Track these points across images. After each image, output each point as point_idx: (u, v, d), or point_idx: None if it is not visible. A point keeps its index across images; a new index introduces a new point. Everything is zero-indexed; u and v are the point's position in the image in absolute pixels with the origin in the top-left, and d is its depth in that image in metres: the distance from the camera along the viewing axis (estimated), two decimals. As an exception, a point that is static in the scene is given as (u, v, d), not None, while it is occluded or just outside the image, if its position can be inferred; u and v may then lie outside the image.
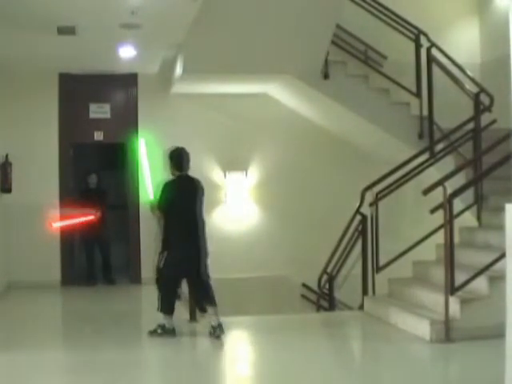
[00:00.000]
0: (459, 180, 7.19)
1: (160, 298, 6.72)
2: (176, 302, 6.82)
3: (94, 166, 11.40)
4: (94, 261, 10.58)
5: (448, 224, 6.37)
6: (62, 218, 10.04)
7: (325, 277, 8.61)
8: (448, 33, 10.64)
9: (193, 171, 10.42)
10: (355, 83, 9.20)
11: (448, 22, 10.81)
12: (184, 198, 6.80)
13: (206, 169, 10.70)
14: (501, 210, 3.88)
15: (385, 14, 9.16)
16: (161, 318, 6.74)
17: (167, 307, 6.69)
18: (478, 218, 7.73)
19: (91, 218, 10.19)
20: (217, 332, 6.60)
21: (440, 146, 8.48)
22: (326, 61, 9.03)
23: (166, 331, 6.70)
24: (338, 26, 9.25)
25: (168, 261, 6.67)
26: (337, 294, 8.68)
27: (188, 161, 7.00)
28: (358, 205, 8.02)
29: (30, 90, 10.22)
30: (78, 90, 10.45)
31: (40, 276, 9.98)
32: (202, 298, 6.81)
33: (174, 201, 6.75)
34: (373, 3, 9.16)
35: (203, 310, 6.83)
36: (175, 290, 6.83)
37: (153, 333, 6.74)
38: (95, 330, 7.35)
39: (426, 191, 6.62)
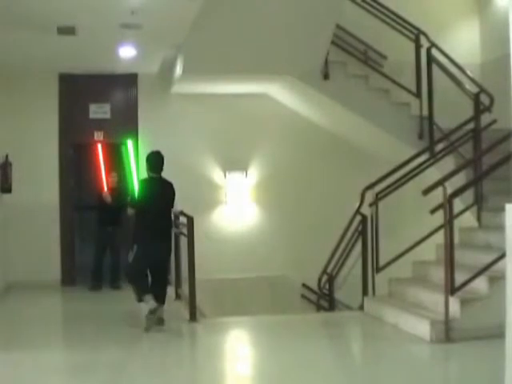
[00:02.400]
0: (459, 180, 7.19)
1: (135, 289, 7.16)
2: (148, 285, 7.21)
3: (115, 164, 10.87)
4: (102, 264, 10.21)
5: (448, 224, 6.37)
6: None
7: (325, 277, 8.62)
8: (448, 33, 10.64)
9: (193, 171, 10.55)
10: (355, 83, 9.21)
11: (448, 22, 10.81)
12: (155, 198, 7.18)
13: (206, 169, 10.72)
14: (501, 210, 3.88)
15: (385, 14, 9.16)
16: (144, 309, 7.06)
17: (144, 290, 7.06)
18: (478, 218, 7.73)
19: (106, 187, 10.21)
20: (158, 321, 7.02)
21: (440, 146, 8.48)
22: (326, 61, 9.04)
23: (153, 312, 6.94)
24: (338, 26, 9.26)
25: (137, 256, 7.10)
26: (337, 294, 8.68)
27: (162, 164, 7.39)
28: (357, 205, 8.02)
29: (30, 90, 10.23)
30: (78, 90, 10.45)
31: (40, 276, 9.99)
32: (157, 293, 7.16)
33: (145, 200, 7.16)
34: (373, 3, 9.16)
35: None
36: (145, 279, 7.23)
37: (147, 327, 6.95)
38: (95, 329, 7.35)
39: (426, 191, 6.62)
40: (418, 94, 9.04)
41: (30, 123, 10.26)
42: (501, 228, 3.95)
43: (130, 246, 7.27)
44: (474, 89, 8.44)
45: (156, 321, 7.08)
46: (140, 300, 7.11)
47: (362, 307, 7.83)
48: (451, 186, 6.69)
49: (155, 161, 7.37)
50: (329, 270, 8.56)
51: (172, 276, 9.26)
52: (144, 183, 7.43)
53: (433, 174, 7.73)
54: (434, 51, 8.77)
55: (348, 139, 10.67)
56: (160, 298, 7.19)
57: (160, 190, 7.29)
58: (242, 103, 10.61)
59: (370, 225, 7.86)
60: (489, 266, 6.26)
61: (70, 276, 10.40)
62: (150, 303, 6.99)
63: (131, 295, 8.97)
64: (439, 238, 6.79)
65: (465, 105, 8.40)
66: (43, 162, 10.33)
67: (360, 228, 8.04)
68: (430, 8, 10.60)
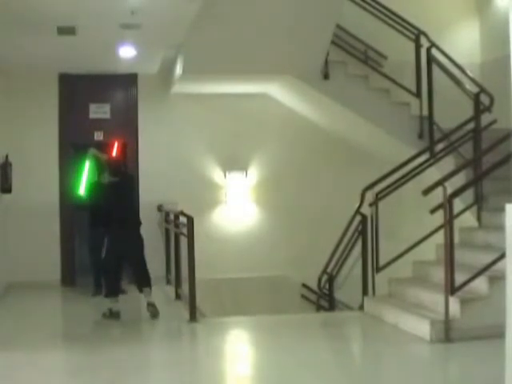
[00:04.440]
0: (459, 180, 7.19)
1: (105, 284, 7.89)
2: (120, 286, 7.94)
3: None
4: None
5: (448, 224, 6.37)
6: None
7: (325, 277, 8.61)
8: (448, 33, 10.64)
9: (193, 171, 10.55)
10: (355, 83, 9.20)
11: (448, 22, 10.81)
12: (116, 197, 7.86)
13: (206, 169, 10.72)
14: (501, 210, 3.88)
15: (385, 14, 9.16)
16: (108, 302, 7.66)
17: (112, 291, 7.69)
18: (478, 218, 7.73)
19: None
20: (149, 308, 7.59)
21: (440, 146, 8.48)
22: (326, 61, 9.04)
23: (113, 314, 7.56)
24: (338, 26, 9.25)
25: (107, 252, 7.77)
26: (337, 294, 8.68)
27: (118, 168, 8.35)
28: (357, 205, 8.02)
29: (30, 90, 10.23)
30: (78, 90, 10.45)
31: (40, 276, 9.98)
32: (139, 280, 7.83)
33: (108, 200, 7.96)
34: (373, 3, 9.16)
35: (140, 290, 7.81)
36: (117, 276, 7.84)
37: (104, 316, 7.59)
38: (95, 329, 7.35)
39: (426, 191, 6.62)
40: (418, 94, 9.03)
41: (30, 123, 10.25)
42: (501, 228, 3.95)
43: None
44: (474, 89, 8.43)
45: (148, 308, 7.60)
46: (106, 296, 7.78)
47: (362, 307, 7.83)
48: (451, 185, 6.68)
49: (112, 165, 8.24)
50: (329, 270, 8.56)
51: (172, 276, 9.27)
52: (106, 185, 8.08)
53: (433, 174, 7.73)
54: (434, 51, 8.77)
55: (348, 139, 10.67)
56: (143, 283, 7.74)
57: (121, 188, 7.98)
58: (241, 103, 10.61)
59: (370, 225, 7.86)
60: (489, 266, 6.26)
61: (70, 276, 10.40)
62: (115, 305, 7.62)
63: (129, 294, 9.01)
64: (439, 237, 6.79)
65: (465, 105, 8.40)
66: (43, 161, 10.33)
67: (360, 228, 8.04)
68: (429, 8, 10.59)
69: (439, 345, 6.09)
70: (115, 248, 7.71)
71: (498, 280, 5.97)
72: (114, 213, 7.81)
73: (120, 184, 7.97)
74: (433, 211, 6.48)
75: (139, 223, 7.95)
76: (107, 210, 7.91)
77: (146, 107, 10.59)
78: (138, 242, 7.84)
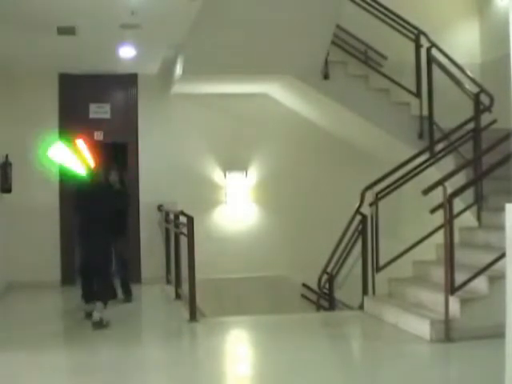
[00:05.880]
0: (459, 180, 7.20)
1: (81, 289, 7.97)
2: (91, 293, 7.72)
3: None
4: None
5: (448, 224, 6.37)
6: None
7: (325, 276, 8.61)
8: (448, 33, 10.65)
9: (193, 171, 10.56)
10: (355, 83, 9.21)
11: (448, 22, 10.82)
12: (89, 204, 7.75)
13: (206, 169, 10.72)
14: (501, 210, 3.88)
15: (385, 14, 9.16)
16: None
17: (84, 296, 7.81)
18: (478, 218, 7.73)
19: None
20: (95, 325, 7.16)
21: (440, 146, 8.48)
22: (326, 61, 9.05)
23: (87, 315, 7.51)
24: (338, 26, 9.26)
25: (79, 259, 8.18)
26: (337, 294, 8.68)
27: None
28: (357, 205, 8.02)
29: (30, 90, 10.23)
30: (78, 90, 10.45)
31: (40, 276, 9.99)
32: (96, 293, 7.63)
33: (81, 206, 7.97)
34: (373, 3, 9.16)
35: (92, 301, 7.55)
36: (86, 282, 7.85)
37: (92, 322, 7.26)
38: (95, 329, 7.34)
39: (426, 191, 6.62)
40: (418, 94, 9.04)
41: (30, 123, 10.24)
42: (501, 228, 3.95)
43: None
44: (474, 89, 8.44)
45: (93, 324, 7.19)
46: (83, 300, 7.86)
47: (361, 307, 7.84)
48: (451, 185, 6.69)
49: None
50: (329, 270, 8.56)
51: (172, 276, 9.27)
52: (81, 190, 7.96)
53: (433, 174, 7.73)
54: (434, 51, 8.78)
55: (348, 139, 10.67)
56: (99, 297, 7.47)
57: (96, 195, 7.80)
58: (242, 103, 10.61)
59: (369, 224, 7.87)
60: (489, 266, 6.26)
61: (70, 276, 10.39)
62: (86, 307, 7.67)
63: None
64: (439, 237, 6.79)
65: (465, 105, 8.40)
66: (43, 161, 10.32)
67: (360, 228, 8.04)
68: (429, 8, 10.60)
69: (439, 344, 6.09)
70: (82, 261, 8.11)
71: (497, 280, 5.97)
72: (83, 223, 7.91)
73: (94, 195, 7.79)
74: (433, 211, 6.49)
75: (108, 236, 7.86)
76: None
77: (146, 107, 10.60)
78: (101, 256, 7.75)
